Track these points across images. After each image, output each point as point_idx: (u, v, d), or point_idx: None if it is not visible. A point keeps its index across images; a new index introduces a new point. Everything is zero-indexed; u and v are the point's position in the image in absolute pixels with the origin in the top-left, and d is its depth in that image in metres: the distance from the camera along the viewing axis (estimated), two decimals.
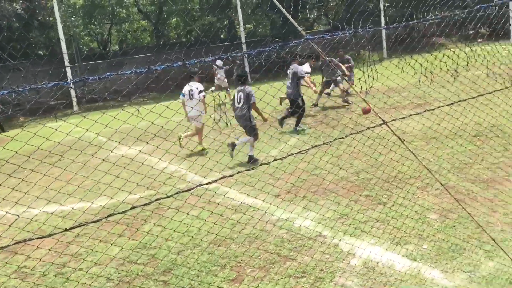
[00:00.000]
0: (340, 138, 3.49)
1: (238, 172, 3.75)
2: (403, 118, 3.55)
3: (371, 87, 3.20)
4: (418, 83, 5.01)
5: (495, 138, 7.86)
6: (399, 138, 3.29)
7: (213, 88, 18.02)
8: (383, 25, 25.72)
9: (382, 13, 27.48)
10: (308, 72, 13.21)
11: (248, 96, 9.19)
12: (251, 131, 9.20)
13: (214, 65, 17.53)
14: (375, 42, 27.82)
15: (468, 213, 4.16)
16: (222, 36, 32.75)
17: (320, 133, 10.90)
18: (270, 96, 4.42)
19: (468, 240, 5.10)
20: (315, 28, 34.10)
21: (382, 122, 3.21)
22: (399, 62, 3.95)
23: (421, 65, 3.39)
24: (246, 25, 28.82)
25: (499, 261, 4.56)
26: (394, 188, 6.62)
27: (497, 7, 3.88)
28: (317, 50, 3.09)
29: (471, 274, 4.48)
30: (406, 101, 12.65)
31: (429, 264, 4.77)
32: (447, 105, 4.32)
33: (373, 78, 3.15)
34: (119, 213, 2.90)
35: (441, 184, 3.89)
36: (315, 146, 3.64)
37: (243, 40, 25.55)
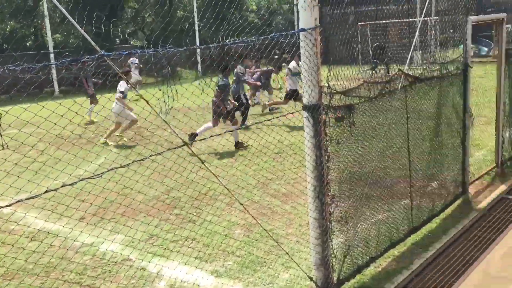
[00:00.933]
0: (141, 160, 3.37)
1: (35, 196, 3.34)
2: (203, 139, 3.60)
3: (172, 107, 3.17)
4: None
5: (294, 155, 8.59)
6: (199, 159, 3.32)
7: None
8: (197, 43, 26.45)
9: (197, 34, 28.26)
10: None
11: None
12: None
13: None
14: (192, 61, 28.48)
15: (264, 229, 4.41)
16: (28, 44, 29.87)
17: (130, 152, 10.57)
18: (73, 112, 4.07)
19: (269, 253, 5.41)
20: (131, 43, 33.42)
21: (183, 143, 3.19)
22: (204, 82, 4.04)
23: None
24: (56, 35, 26.79)
25: (293, 272, 4.92)
26: (204, 206, 6.72)
27: (289, 36, 4.21)
28: (113, 67, 2.94)
29: (269, 287, 4.74)
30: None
31: (233, 279, 4.91)
32: (255, 123, 4.54)
33: (173, 99, 3.13)
34: None
35: (240, 204, 4.05)
36: (122, 166, 3.45)
37: (51, 49, 23.67)
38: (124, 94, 11.22)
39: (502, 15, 7.33)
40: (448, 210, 6.32)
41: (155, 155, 3.19)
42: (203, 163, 3.32)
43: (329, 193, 4.23)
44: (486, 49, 27.63)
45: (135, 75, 19.25)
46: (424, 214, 5.79)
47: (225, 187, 3.70)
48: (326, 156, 4.15)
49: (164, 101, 3.04)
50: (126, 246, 5.51)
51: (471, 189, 6.93)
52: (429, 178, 6.00)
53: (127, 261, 5.40)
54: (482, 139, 9.06)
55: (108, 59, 2.89)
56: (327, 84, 4.10)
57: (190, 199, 7.04)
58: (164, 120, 2.95)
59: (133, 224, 6.12)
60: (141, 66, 21.25)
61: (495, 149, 7.74)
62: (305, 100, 4.05)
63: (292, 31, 4.00)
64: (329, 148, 4.19)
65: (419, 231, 5.70)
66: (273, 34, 3.85)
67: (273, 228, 6.13)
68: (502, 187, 7.02)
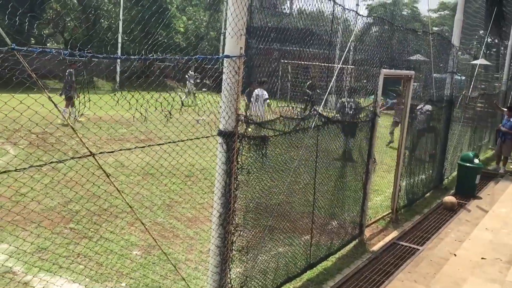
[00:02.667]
0: (40, 166, 3.15)
1: None
2: (112, 152, 3.45)
3: (82, 114, 3.02)
4: (143, 119, 5.10)
5: (204, 180, 8.53)
6: (105, 172, 3.17)
7: None
8: (119, 54, 25.73)
9: (120, 45, 27.59)
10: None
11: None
12: None
13: None
14: (111, 71, 27.63)
15: (164, 253, 4.29)
16: None
17: (28, 155, 9.88)
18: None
19: (165, 277, 5.25)
20: (48, 45, 31.80)
21: (89, 153, 3.04)
22: (120, 94, 3.90)
23: (137, 100, 3.39)
24: None
25: None
26: (103, 222, 6.41)
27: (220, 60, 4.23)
28: (23, 63, 2.75)
29: None
30: (130, 135, 12.74)
31: None
32: (166, 143, 4.44)
33: (84, 106, 2.98)
34: None
35: (142, 223, 3.90)
36: (17, 170, 3.19)
37: None
38: None
39: (411, 72, 7.95)
40: (344, 250, 6.57)
41: (57, 162, 3.00)
42: (108, 176, 3.18)
43: (233, 222, 4.23)
44: (391, 101, 29.74)
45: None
46: (322, 252, 5.96)
47: (128, 204, 3.56)
48: (235, 184, 4.16)
49: (76, 108, 2.90)
50: (10, 257, 5.08)
51: (367, 232, 7.29)
52: (330, 216, 6.22)
53: (9, 273, 4.97)
54: (382, 185, 9.61)
55: (18, 54, 2.72)
56: (244, 113, 4.15)
57: (89, 214, 6.69)
58: (72, 127, 2.80)
59: (21, 234, 5.68)
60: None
61: (392, 196, 8.24)
62: (221, 126, 4.06)
63: (217, 56, 4.03)
64: (239, 177, 4.21)
65: (315, 268, 5.85)
66: (197, 56, 3.85)
67: (173, 252, 5.98)
68: (395, 233, 7.45)
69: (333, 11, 5.43)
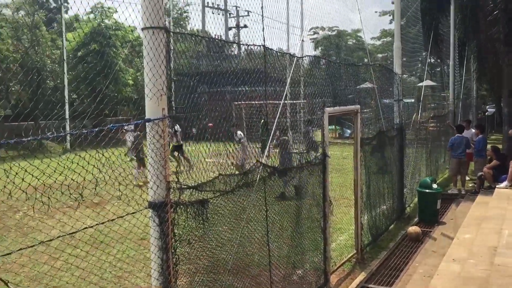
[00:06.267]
0: None
1: None
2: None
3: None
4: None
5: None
6: (3, 281, 2.69)
7: None
8: (67, 116, 25.06)
9: (67, 106, 26.96)
10: None
11: None
12: None
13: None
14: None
15: None
16: None
17: None
18: None
19: None
20: None
21: None
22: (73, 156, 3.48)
23: (88, 162, 3.00)
24: None
25: None
26: None
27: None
28: None
29: None
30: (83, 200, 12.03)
31: None
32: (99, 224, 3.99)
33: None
34: None
35: None
36: None
37: None
38: None
39: (357, 107, 7.81)
40: None
41: None
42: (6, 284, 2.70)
43: None
44: (349, 131, 29.99)
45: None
46: None
47: None
48: (174, 259, 3.72)
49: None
50: None
51: (333, 278, 6.89)
52: (291, 267, 5.83)
53: None
54: (344, 222, 9.31)
55: None
56: (176, 179, 3.77)
57: None
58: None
59: None
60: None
61: (355, 235, 7.93)
62: (150, 197, 3.65)
63: (136, 122, 3.68)
64: (178, 250, 3.78)
65: None
66: (113, 125, 3.47)
67: None
68: (362, 275, 7.09)
69: (265, 55, 5.21)
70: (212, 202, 4.21)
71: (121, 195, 3.54)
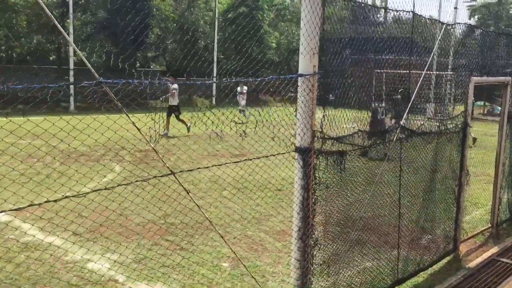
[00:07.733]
0: (127, 184, 3.52)
1: (31, 205, 3.47)
2: (191, 170, 3.74)
3: (161, 136, 3.34)
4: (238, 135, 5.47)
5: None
6: (185, 189, 3.45)
7: None
8: (215, 74, 26.94)
9: (215, 64, 28.82)
10: None
11: None
12: None
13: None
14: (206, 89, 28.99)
15: (245, 265, 4.47)
16: (51, 58, 30.74)
17: (129, 173, 10.72)
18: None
19: None
20: (151, 67, 34.18)
21: (170, 173, 3.34)
22: (204, 115, 4.22)
23: (212, 122, 3.66)
24: (82, 52, 27.52)
25: None
26: (197, 234, 6.81)
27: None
28: (110, 94, 3.12)
29: None
30: (225, 150, 13.28)
31: None
32: (256, 158, 4.66)
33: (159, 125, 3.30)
34: None
35: (221, 236, 4.14)
36: (124, 184, 3.59)
37: (72, 66, 24.28)
38: None
39: (507, 78, 7.49)
40: (437, 266, 6.32)
41: (141, 180, 3.33)
42: (188, 193, 3.46)
43: (313, 236, 4.32)
44: (500, 108, 27.73)
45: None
46: (411, 267, 5.80)
47: (208, 219, 3.82)
48: (313, 199, 4.26)
49: (154, 130, 3.21)
50: (114, 266, 5.61)
51: (463, 247, 6.93)
52: (419, 231, 6.04)
53: (112, 281, 5.47)
54: (483, 197, 9.07)
55: (105, 86, 3.08)
56: (320, 129, 4.25)
57: (185, 227, 7.14)
58: (153, 149, 3.11)
59: (124, 244, 6.23)
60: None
61: (492, 209, 7.76)
62: (297, 143, 4.19)
63: (290, 76, 4.19)
64: (317, 191, 4.30)
65: (404, 284, 5.70)
66: (271, 77, 4.03)
67: (262, 264, 6.18)
68: (494, 249, 7.01)
69: (413, 21, 5.35)
70: (350, 154, 4.64)
71: (274, 137, 4.12)
